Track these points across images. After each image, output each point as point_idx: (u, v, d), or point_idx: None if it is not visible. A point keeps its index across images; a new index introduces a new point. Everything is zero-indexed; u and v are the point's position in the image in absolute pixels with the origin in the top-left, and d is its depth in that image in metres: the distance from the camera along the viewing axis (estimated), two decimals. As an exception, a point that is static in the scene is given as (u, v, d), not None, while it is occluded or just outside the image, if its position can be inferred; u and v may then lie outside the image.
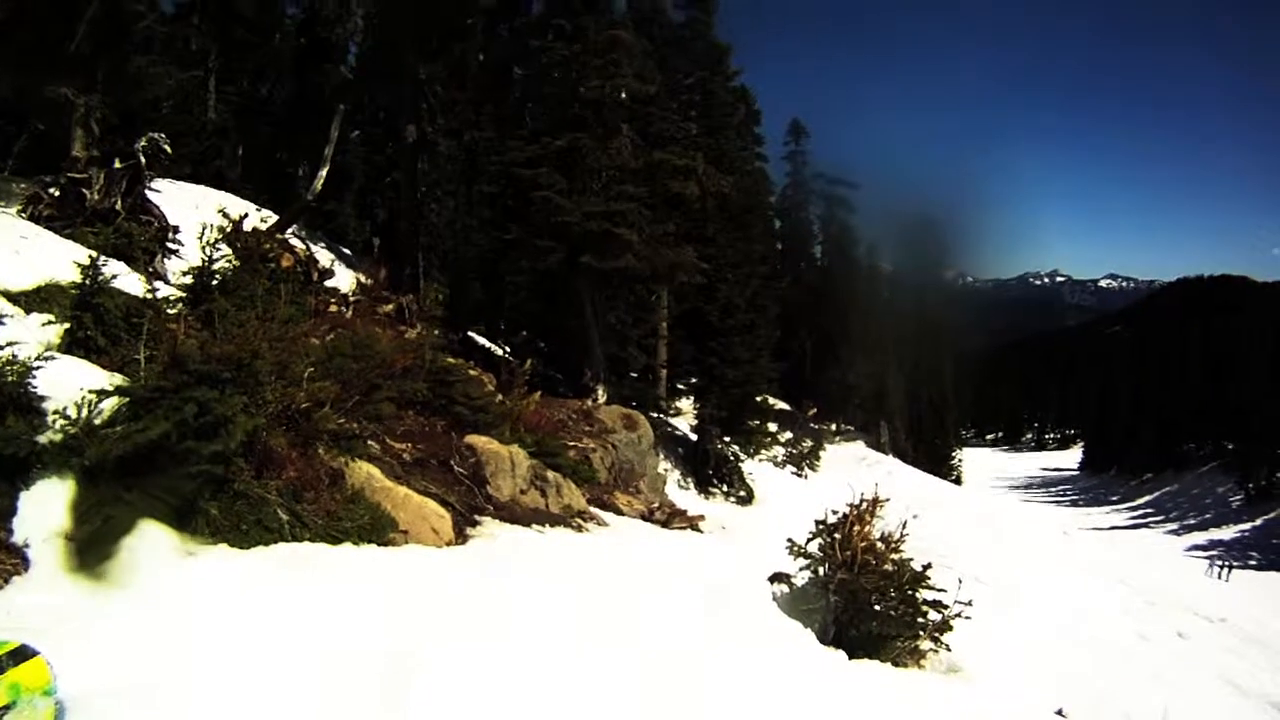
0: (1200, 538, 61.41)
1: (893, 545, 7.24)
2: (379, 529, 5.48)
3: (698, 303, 21.94)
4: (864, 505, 7.26)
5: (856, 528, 7.01)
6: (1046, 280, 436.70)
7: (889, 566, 7.12)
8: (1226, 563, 44.97)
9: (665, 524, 12.17)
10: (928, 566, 7.27)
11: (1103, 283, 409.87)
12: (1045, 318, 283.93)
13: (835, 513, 7.33)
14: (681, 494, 18.60)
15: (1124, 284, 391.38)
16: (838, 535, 7.05)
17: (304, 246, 13.10)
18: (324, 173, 19.08)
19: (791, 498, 22.96)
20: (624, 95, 17.35)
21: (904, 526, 7.42)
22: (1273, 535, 58.35)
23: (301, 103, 28.20)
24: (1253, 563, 50.28)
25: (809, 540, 7.26)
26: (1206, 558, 48.91)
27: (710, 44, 28.08)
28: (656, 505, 12.87)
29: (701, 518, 13.78)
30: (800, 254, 47.61)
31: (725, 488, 21.28)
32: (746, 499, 20.82)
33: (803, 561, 7.25)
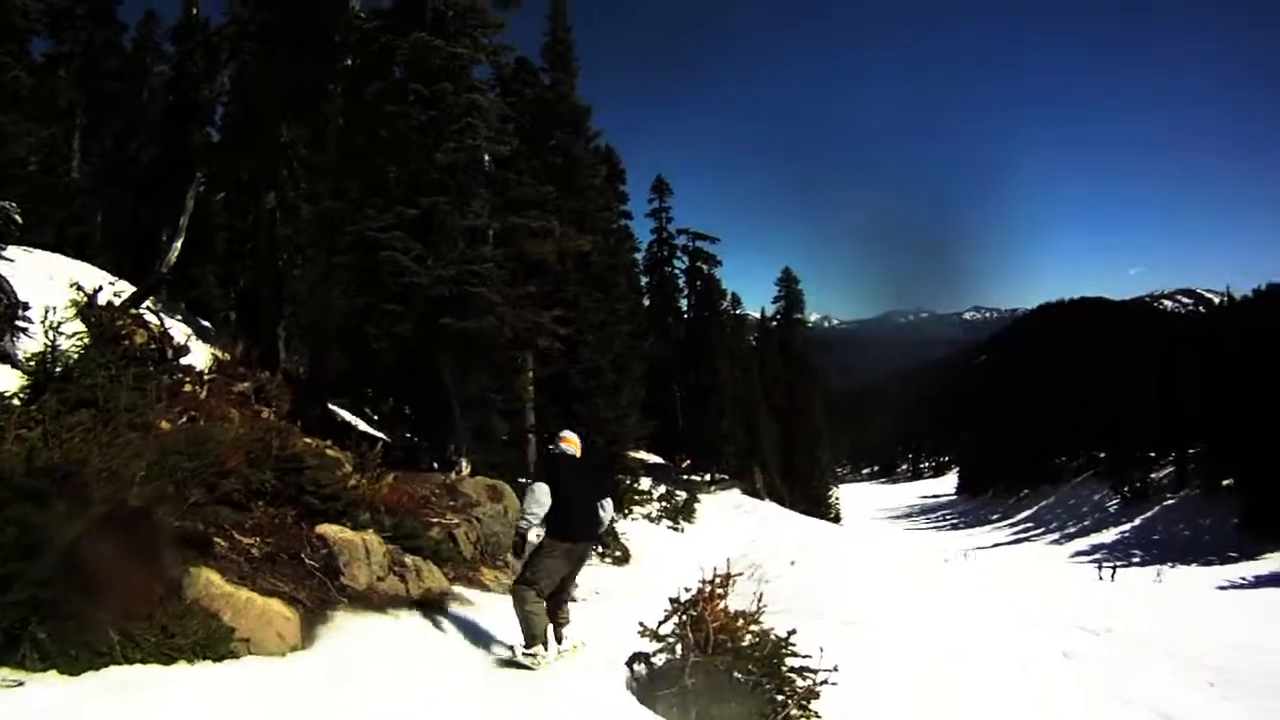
0: (1083, 543, 65.75)
1: (751, 618, 7.19)
2: (214, 643, 5.28)
3: (561, 366, 21.90)
4: (715, 580, 7.25)
5: (708, 607, 6.98)
6: (911, 317, 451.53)
7: (748, 640, 7.05)
8: (1111, 564, 47.51)
9: (536, 596, 12.11)
10: (791, 632, 7.07)
11: (966, 315, 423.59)
12: (913, 352, 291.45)
13: (688, 590, 7.31)
14: (556, 559, 18.45)
15: (987, 314, 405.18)
16: (692, 613, 7.02)
17: (158, 322, 12.77)
18: (179, 244, 18.62)
19: (669, 553, 22.91)
20: (487, 158, 17.35)
21: (760, 600, 7.40)
22: (1152, 532, 61.88)
23: (166, 164, 27.41)
24: (1135, 560, 53.44)
25: (661, 621, 7.21)
26: (1091, 562, 51.53)
27: (572, 106, 28.25)
28: (526, 577, 12.79)
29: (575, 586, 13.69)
30: (668, 308, 48.06)
31: (600, 549, 21.20)
32: (623, 559, 20.73)
33: (659, 644, 7.19)
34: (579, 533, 7.60)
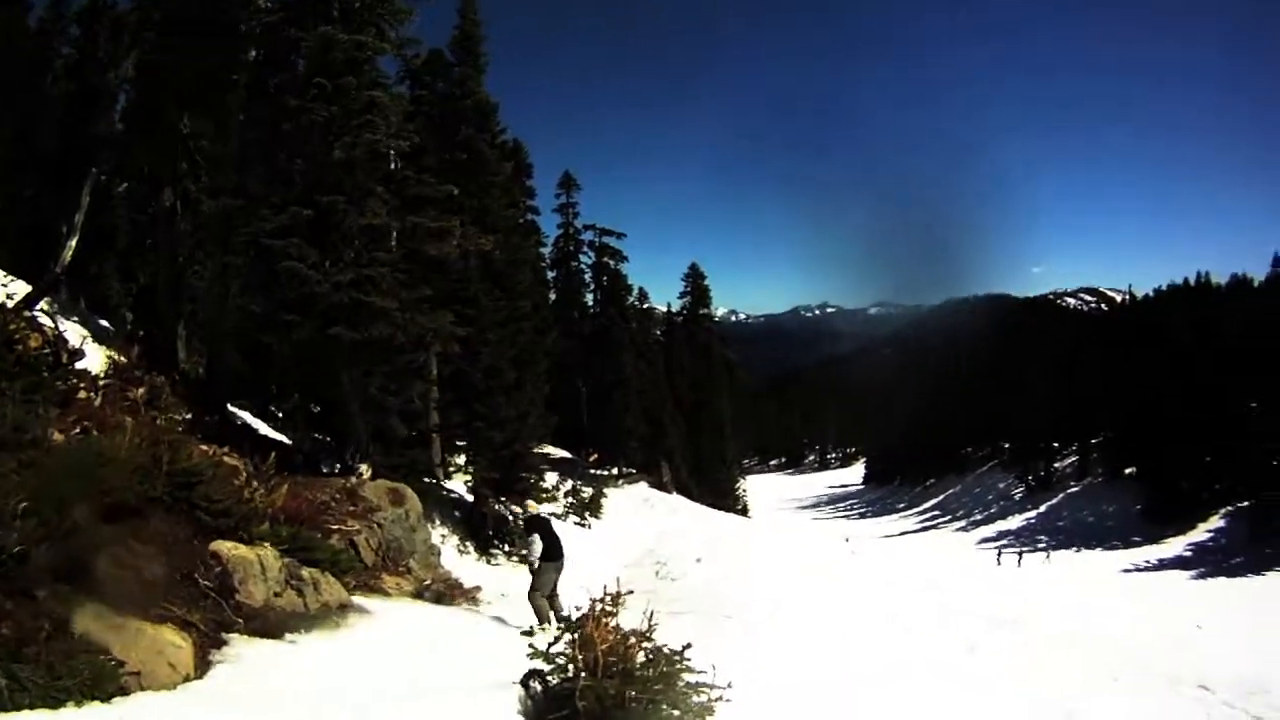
0: (989, 530, 67.96)
1: (643, 635, 7.11)
2: (103, 680, 5.11)
3: (461, 365, 21.72)
4: (605, 599, 7.20)
5: (596, 628, 6.90)
6: (817, 312, 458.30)
7: (641, 658, 6.95)
8: (1016, 551, 49.18)
9: (438, 601, 12.11)
10: (687, 646, 6.97)
11: (871, 311, 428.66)
12: (819, 346, 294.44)
13: (579, 608, 7.27)
14: (462, 560, 18.32)
15: (892, 310, 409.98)
16: (581, 633, 6.94)
17: (53, 324, 12.45)
18: (74, 243, 17.93)
19: (576, 551, 22.65)
20: (392, 152, 17.04)
21: (651, 617, 7.28)
22: (1057, 519, 64.12)
23: (68, 155, 26.38)
24: (1041, 546, 55.44)
25: (552, 642, 7.15)
26: (996, 549, 53.08)
27: (478, 101, 27.89)
28: (429, 582, 12.76)
29: (478, 589, 13.79)
30: (573, 303, 48.24)
31: (506, 548, 21.15)
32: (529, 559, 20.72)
33: (550, 665, 7.10)
34: (559, 555, 12.59)
